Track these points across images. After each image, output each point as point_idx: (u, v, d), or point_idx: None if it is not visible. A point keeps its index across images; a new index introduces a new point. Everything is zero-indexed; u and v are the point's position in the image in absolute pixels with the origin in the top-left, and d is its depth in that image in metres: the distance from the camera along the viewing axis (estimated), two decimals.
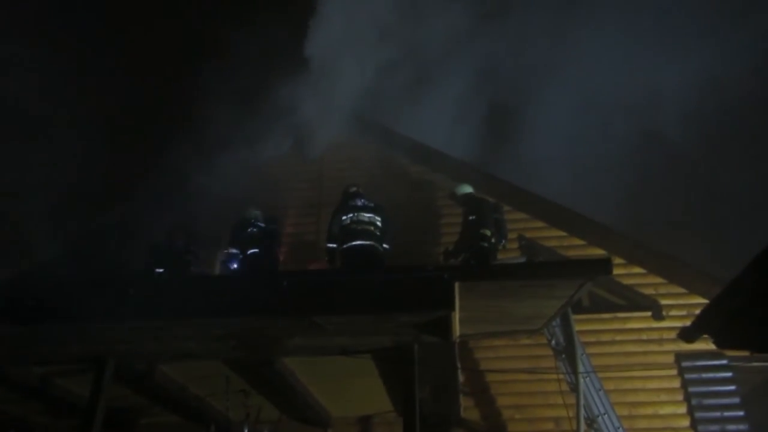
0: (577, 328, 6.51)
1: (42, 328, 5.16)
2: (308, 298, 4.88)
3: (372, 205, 6.98)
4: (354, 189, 7.31)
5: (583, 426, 6.01)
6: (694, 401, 7.17)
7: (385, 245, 6.82)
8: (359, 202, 6.99)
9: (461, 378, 6.83)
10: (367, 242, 6.67)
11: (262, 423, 6.66)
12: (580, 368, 6.21)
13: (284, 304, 4.83)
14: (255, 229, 7.39)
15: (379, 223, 6.81)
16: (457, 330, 4.87)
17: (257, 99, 9.81)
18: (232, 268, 7.44)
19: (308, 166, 9.53)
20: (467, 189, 7.55)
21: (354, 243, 6.66)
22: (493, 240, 6.86)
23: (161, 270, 7.02)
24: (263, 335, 5.20)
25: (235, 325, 5.08)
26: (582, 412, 6.08)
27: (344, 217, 6.84)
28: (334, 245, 6.82)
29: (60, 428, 7.12)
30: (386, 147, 9.57)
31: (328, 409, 7.28)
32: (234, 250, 7.41)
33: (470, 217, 7.01)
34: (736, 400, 7.12)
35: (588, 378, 6.29)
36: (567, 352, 6.43)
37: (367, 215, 6.83)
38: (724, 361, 7.24)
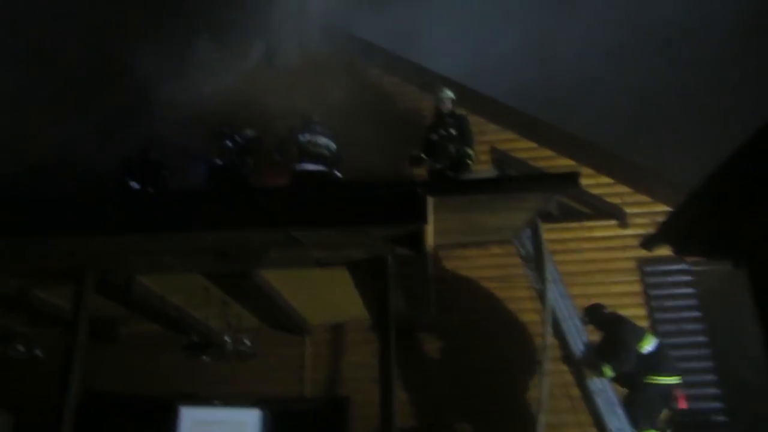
0: (545, 236, 6.72)
1: (20, 243, 5.21)
2: (284, 213, 4.95)
3: (329, 132, 7.18)
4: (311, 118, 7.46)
5: (549, 329, 6.33)
6: (654, 304, 7.55)
7: (337, 173, 7.11)
8: (318, 128, 7.20)
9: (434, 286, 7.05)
10: (321, 167, 6.85)
11: (243, 331, 6.89)
12: (547, 276, 6.46)
13: (261, 218, 4.91)
14: (231, 144, 7.28)
15: (333, 149, 7.08)
16: (430, 242, 5.01)
17: (226, 11, 9.44)
18: (203, 174, 7.42)
19: (279, 79, 9.31)
20: (450, 94, 7.48)
21: (307, 166, 6.85)
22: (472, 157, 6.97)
23: (136, 184, 6.97)
24: (241, 249, 5.31)
25: (213, 240, 5.16)
26: (549, 317, 6.39)
27: (301, 137, 7.06)
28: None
29: (43, 337, 7.34)
30: (359, 58, 9.37)
31: (305, 317, 7.54)
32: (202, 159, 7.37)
33: (451, 131, 7.04)
34: (693, 302, 7.51)
35: (554, 285, 6.57)
36: (535, 260, 6.66)
37: (323, 140, 7.06)
38: (684, 266, 7.58)
